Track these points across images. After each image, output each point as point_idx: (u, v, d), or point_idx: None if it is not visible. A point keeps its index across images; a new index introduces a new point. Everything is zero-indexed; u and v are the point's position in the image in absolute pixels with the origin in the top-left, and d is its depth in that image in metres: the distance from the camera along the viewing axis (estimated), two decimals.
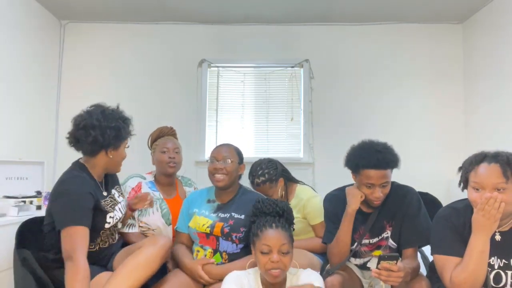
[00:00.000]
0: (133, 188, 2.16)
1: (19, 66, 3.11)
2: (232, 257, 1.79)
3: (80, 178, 1.63)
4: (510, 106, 2.99)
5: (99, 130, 1.66)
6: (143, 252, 1.59)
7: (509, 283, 1.42)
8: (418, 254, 1.87)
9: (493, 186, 1.37)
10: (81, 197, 1.57)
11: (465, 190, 1.50)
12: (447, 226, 1.50)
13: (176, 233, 2.00)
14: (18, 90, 3.09)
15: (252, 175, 2.28)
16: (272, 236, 1.46)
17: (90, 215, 1.58)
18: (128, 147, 1.84)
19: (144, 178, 2.25)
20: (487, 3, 3.30)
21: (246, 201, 1.86)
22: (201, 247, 1.86)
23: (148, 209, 2.12)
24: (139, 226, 2.12)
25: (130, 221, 2.11)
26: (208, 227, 1.82)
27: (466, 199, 1.50)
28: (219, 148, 1.95)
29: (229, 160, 1.87)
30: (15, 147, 3.03)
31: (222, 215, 1.86)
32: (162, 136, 2.33)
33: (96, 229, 1.66)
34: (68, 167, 1.76)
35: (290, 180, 2.38)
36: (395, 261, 1.40)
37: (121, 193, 1.94)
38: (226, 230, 1.80)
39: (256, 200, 1.68)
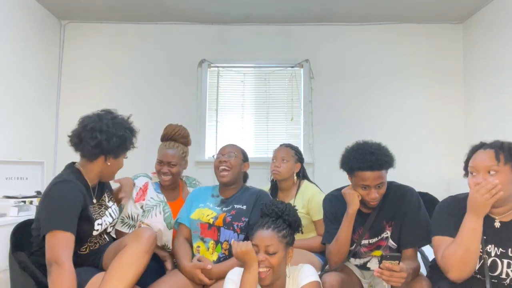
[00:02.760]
0: (140, 188, 2.15)
1: (19, 66, 3.11)
2: None
3: (71, 184, 1.58)
4: (510, 105, 2.99)
5: (106, 135, 1.64)
6: (129, 250, 1.56)
7: (504, 271, 1.44)
8: (418, 254, 1.87)
9: (485, 169, 1.42)
10: (68, 202, 1.53)
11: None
12: (446, 211, 1.57)
13: (177, 225, 2.01)
14: (18, 90, 3.09)
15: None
16: (260, 236, 1.51)
17: (76, 221, 1.53)
18: (126, 157, 1.82)
19: (151, 178, 2.23)
20: (487, 3, 3.30)
21: (247, 194, 1.96)
22: (202, 240, 1.88)
23: (151, 211, 2.11)
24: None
25: (130, 222, 2.10)
26: (212, 218, 1.88)
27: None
28: (225, 146, 2.06)
29: (234, 154, 1.97)
30: (15, 147, 3.03)
31: (225, 208, 1.91)
32: (166, 139, 2.24)
33: (84, 236, 1.63)
34: (62, 170, 1.73)
35: (302, 175, 2.42)
36: (397, 261, 1.40)
37: (111, 198, 1.90)
38: (228, 219, 1.85)
39: (261, 204, 1.71)
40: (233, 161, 1.95)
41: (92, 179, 1.73)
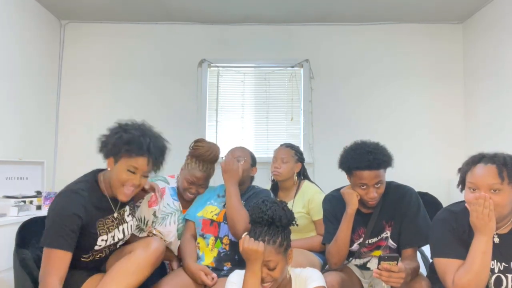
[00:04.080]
0: None
1: (19, 66, 3.11)
2: (234, 244, 1.83)
3: (75, 196, 1.51)
4: (510, 105, 2.99)
5: (120, 134, 1.56)
6: (134, 257, 1.53)
7: (510, 286, 1.41)
8: (418, 254, 1.87)
9: (488, 187, 1.36)
10: (64, 219, 1.45)
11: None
12: (446, 229, 1.48)
13: (186, 222, 2.05)
14: (18, 90, 3.09)
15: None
16: None
17: (74, 236, 1.46)
18: (133, 172, 1.57)
19: (168, 183, 2.16)
20: (487, 3, 3.30)
21: (250, 194, 2.01)
22: (202, 236, 1.92)
23: (166, 218, 2.04)
24: (153, 234, 1.99)
25: (141, 225, 2.04)
26: (215, 214, 1.94)
27: (464, 201, 1.49)
28: (234, 148, 2.09)
29: (243, 158, 2.01)
30: (15, 147, 3.03)
31: None
32: (200, 160, 2.10)
33: (86, 248, 1.58)
34: (88, 172, 1.67)
35: (303, 174, 2.42)
36: (395, 262, 1.40)
37: (132, 212, 1.78)
38: None
39: (249, 208, 1.62)
40: (242, 166, 1.98)
41: (108, 189, 1.65)
